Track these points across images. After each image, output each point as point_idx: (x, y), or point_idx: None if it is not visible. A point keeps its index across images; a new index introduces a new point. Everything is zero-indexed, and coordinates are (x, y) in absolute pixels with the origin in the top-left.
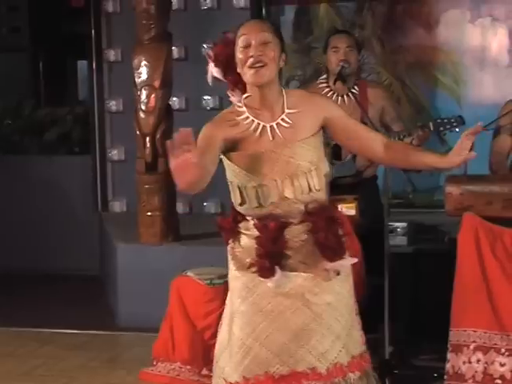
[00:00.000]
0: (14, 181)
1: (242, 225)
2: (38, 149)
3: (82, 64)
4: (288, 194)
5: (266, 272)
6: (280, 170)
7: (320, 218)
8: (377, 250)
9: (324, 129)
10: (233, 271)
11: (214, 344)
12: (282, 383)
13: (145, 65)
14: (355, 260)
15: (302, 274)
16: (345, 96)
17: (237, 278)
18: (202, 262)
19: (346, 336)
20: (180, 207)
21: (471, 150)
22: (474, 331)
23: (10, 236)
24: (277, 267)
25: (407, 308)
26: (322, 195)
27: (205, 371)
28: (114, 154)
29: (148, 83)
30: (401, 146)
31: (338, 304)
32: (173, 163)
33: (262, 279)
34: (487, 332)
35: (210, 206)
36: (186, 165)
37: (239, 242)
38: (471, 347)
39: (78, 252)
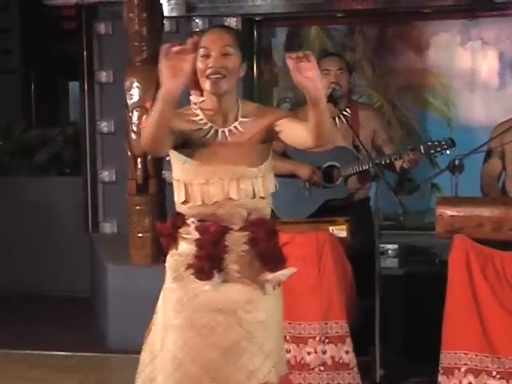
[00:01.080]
0: (4, 202)
1: (182, 230)
2: (28, 170)
3: (73, 85)
4: (233, 194)
5: (203, 274)
6: (227, 170)
7: (260, 228)
8: (368, 272)
9: (276, 137)
10: (169, 282)
11: None
12: None
13: (136, 86)
14: (294, 270)
15: (236, 286)
16: (336, 118)
17: (172, 291)
18: None
19: (276, 355)
20: None
21: None
22: (466, 354)
23: (0, 257)
24: (215, 271)
25: (398, 330)
26: (264, 205)
27: None
28: (105, 175)
29: (139, 105)
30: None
31: (270, 322)
32: (165, 63)
33: (196, 293)
34: (478, 355)
35: None
36: (180, 66)
37: (178, 249)
38: (462, 370)
39: (68, 273)
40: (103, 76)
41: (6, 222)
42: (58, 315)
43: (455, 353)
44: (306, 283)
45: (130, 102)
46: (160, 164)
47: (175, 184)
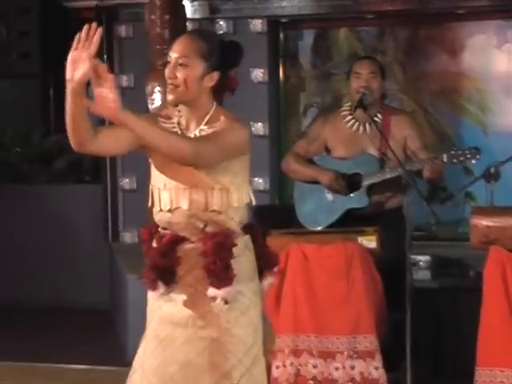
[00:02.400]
0: (22, 211)
1: (155, 238)
2: (47, 178)
3: (92, 92)
4: (183, 204)
5: (151, 284)
6: (182, 179)
7: (210, 241)
8: (398, 285)
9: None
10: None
11: None
12: None
13: (158, 91)
14: (236, 289)
15: (189, 299)
16: (366, 124)
17: (148, 301)
18: None
19: (239, 376)
20: None
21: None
22: (502, 371)
23: (18, 268)
24: (160, 282)
25: (430, 345)
26: (223, 219)
27: None
28: (126, 182)
29: (161, 110)
30: None
31: (227, 341)
32: (70, 54)
33: (160, 304)
34: None
35: None
36: (81, 56)
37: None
38: None
39: (87, 284)
40: (124, 80)
41: (23, 231)
42: (76, 328)
43: (490, 370)
44: (333, 295)
45: (151, 107)
46: None
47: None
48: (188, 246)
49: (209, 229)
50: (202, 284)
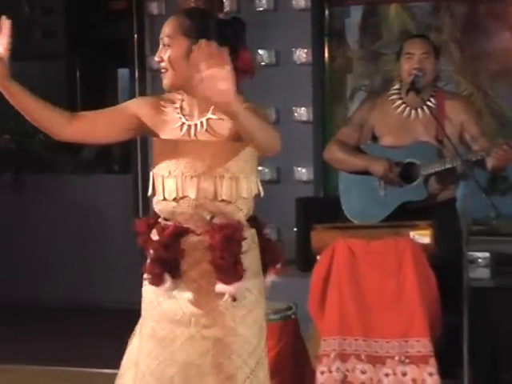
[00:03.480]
0: (47, 202)
1: (153, 231)
2: (73, 167)
3: (122, 72)
4: (190, 193)
5: (155, 279)
6: (189, 166)
7: (218, 234)
8: (454, 284)
9: None
10: (143, 287)
11: None
12: None
13: None
14: (259, 282)
15: (193, 296)
16: (419, 109)
17: (143, 298)
18: None
19: (244, 378)
20: None
21: None
22: None
23: (42, 263)
24: (167, 275)
25: (489, 350)
26: (231, 210)
27: None
28: None
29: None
30: None
31: (232, 341)
32: None
33: (159, 301)
34: None
35: None
36: None
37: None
38: None
39: (117, 282)
40: (156, 61)
41: (49, 224)
42: (106, 329)
43: None
44: (383, 295)
45: None
46: None
47: (150, 176)
48: (193, 238)
49: (216, 220)
50: (207, 280)
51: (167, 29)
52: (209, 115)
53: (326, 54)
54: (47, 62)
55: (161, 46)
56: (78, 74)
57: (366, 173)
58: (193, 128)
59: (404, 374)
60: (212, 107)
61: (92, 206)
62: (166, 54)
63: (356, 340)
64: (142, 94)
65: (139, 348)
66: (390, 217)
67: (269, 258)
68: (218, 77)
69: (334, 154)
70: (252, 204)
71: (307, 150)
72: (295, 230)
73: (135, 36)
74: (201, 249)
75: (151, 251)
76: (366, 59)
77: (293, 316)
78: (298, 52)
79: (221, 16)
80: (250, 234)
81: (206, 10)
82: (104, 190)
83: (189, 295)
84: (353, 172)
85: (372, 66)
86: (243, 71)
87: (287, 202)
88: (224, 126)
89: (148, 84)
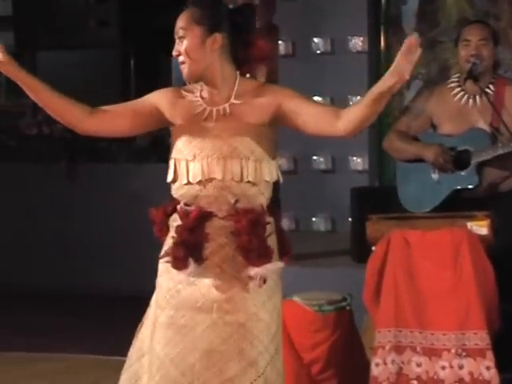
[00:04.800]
0: (100, 192)
1: (172, 217)
2: (127, 156)
3: (176, 61)
4: (217, 174)
5: (178, 263)
6: (215, 148)
7: (244, 218)
8: None
9: (281, 121)
10: (158, 276)
11: (323, 380)
12: None
13: None
14: (282, 264)
15: (215, 281)
16: (477, 96)
17: (159, 285)
18: (308, 285)
19: (265, 365)
20: (285, 223)
21: None
22: None
23: (94, 252)
24: (191, 259)
25: None
26: (255, 193)
27: None
28: None
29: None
30: (351, 106)
31: (254, 326)
32: None
33: (178, 289)
34: None
35: (319, 222)
36: None
37: (167, 239)
38: None
39: None
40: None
41: (101, 213)
42: None
43: None
44: (439, 287)
45: None
46: None
47: (170, 162)
48: (217, 222)
49: (240, 205)
50: (230, 264)
51: (180, 22)
52: (232, 100)
53: (382, 42)
54: (101, 51)
55: (176, 40)
56: (132, 62)
57: (420, 160)
58: (215, 113)
59: (461, 367)
60: (234, 94)
61: (145, 194)
62: (182, 46)
63: (411, 332)
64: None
65: (154, 337)
66: (443, 204)
67: (281, 247)
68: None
69: (392, 143)
70: (271, 189)
71: (362, 140)
72: (350, 220)
73: None
74: (224, 233)
75: (174, 235)
76: (422, 47)
77: (347, 307)
78: (353, 40)
79: (231, 5)
80: (270, 220)
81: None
82: (159, 179)
83: (210, 281)
84: (409, 160)
85: (429, 54)
86: (258, 59)
87: (342, 191)
88: (248, 111)
89: None
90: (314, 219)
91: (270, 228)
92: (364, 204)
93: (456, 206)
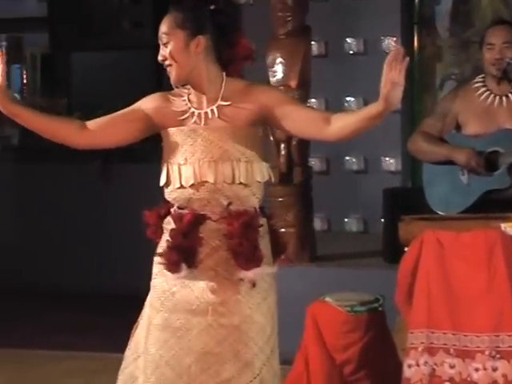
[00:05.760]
0: (133, 191)
1: (166, 220)
2: (160, 156)
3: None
4: (209, 177)
5: (172, 266)
6: (206, 151)
7: (236, 221)
8: None
9: (267, 121)
10: (153, 278)
11: (355, 381)
12: None
13: (280, 62)
14: (272, 269)
15: (210, 284)
16: (503, 97)
17: (153, 287)
18: (340, 286)
19: (261, 366)
20: (317, 223)
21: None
22: None
23: (128, 252)
24: (183, 264)
25: None
26: (247, 194)
27: None
28: None
29: (283, 83)
30: (343, 115)
31: (248, 328)
32: None
33: (173, 291)
34: None
35: (352, 223)
36: None
37: (161, 241)
38: None
39: None
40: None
41: (134, 213)
42: None
43: None
44: (472, 288)
45: (272, 79)
46: (306, 150)
47: (163, 166)
48: (211, 226)
49: (233, 207)
50: (224, 267)
51: (163, 27)
52: (219, 102)
53: (416, 43)
54: (135, 52)
55: (161, 45)
56: None
57: (449, 163)
58: (203, 116)
59: (494, 370)
60: (221, 95)
61: None
62: (166, 51)
63: (444, 334)
64: None
65: (148, 339)
66: (473, 206)
67: (275, 248)
68: (400, 84)
69: (418, 145)
70: (263, 190)
71: (395, 141)
72: (382, 221)
73: None
74: (218, 236)
75: (169, 238)
76: (456, 47)
77: (380, 308)
78: (386, 40)
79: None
80: (263, 221)
81: (198, 1)
82: None
83: (205, 283)
84: (436, 162)
85: (462, 55)
86: (244, 58)
87: (374, 192)
88: (236, 112)
89: None
90: (346, 220)
91: (262, 230)
92: (396, 205)
93: (487, 207)
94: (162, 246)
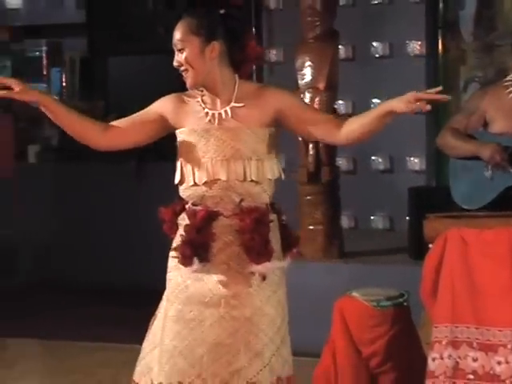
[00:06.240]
0: (167, 191)
1: (181, 216)
2: None
3: None
4: (221, 175)
5: (185, 260)
6: (219, 150)
7: (248, 217)
8: None
9: (279, 123)
10: (168, 271)
11: (381, 373)
12: None
13: (309, 65)
14: (283, 264)
15: (222, 277)
16: None
17: (169, 280)
18: (367, 282)
19: (270, 355)
20: (345, 221)
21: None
22: None
23: (157, 251)
24: (195, 258)
25: None
26: (258, 191)
27: None
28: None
29: (312, 85)
30: (353, 118)
31: (259, 320)
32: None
33: (187, 284)
34: None
35: (378, 221)
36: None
37: (176, 237)
38: None
39: None
40: (273, 54)
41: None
42: None
43: None
44: (495, 284)
45: (301, 82)
46: (333, 151)
47: (177, 164)
48: (224, 222)
49: (244, 204)
50: (236, 261)
51: (178, 34)
52: (232, 104)
53: (440, 46)
54: (170, 56)
55: (176, 51)
56: None
57: (475, 158)
58: (217, 116)
59: None
60: (234, 97)
61: None
62: (181, 57)
63: (468, 328)
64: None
65: (164, 330)
66: (496, 200)
67: (285, 243)
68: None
69: (446, 140)
70: (273, 187)
71: (420, 141)
72: (407, 218)
73: (253, 29)
74: (230, 231)
75: (183, 233)
76: (479, 51)
77: (405, 303)
78: (411, 44)
79: (221, 10)
80: (273, 217)
81: (209, 8)
82: None
83: (217, 277)
84: (462, 158)
85: (486, 58)
86: (252, 59)
87: (400, 191)
88: (248, 113)
89: (265, 76)
90: (372, 218)
91: (273, 225)
92: (421, 203)
93: (508, 203)
94: (176, 241)
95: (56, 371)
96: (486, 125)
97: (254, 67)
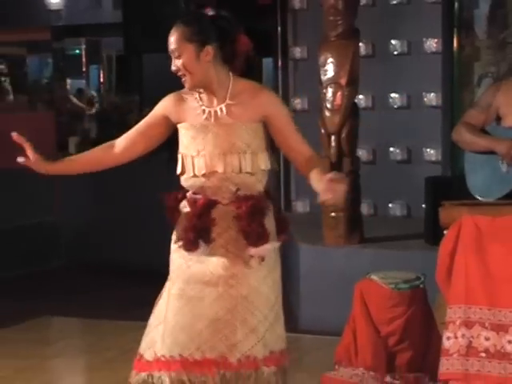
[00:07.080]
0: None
1: (182, 204)
2: None
3: (267, 61)
4: (219, 168)
5: (190, 245)
6: (216, 144)
7: (244, 205)
8: None
9: (265, 125)
10: (171, 253)
11: (398, 351)
12: (195, 367)
13: (331, 62)
14: (278, 244)
15: (221, 260)
16: None
17: (172, 261)
18: (386, 265)
19: (264, 331)
20: (365, 208)
21: None
22: None
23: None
24: (200, 241)
25: None
26: (253, 182)
27: (388, 378)
28: None
29: (334, 81)
30: (310, 159)
31: (255, 298)
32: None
33: (189, 264)
34: None
35: (396, 208)
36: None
37: (178, 223)
38: None
39: None
40: (297, 52)
41: None
42: None
43: None
44: (507, 268)
45: (324, 78)
46: (354, 142)
47: (178, 156)
48: (222, 209)
49: (241, 193)
50: (233, 245)
51: (173, 43)
52: (227, 101)
53: (455, 44)
54: None
55: (173, 58)
56: None
57: (489, 153)
58: (213, 113)
59: None
60: (228, 95)
61: None
62: (179, 62)
63: (481, 309)
64: (285, 81)
65: (168, 307)
66: (511, 193)
67: (279, 227)
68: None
69: (462, 135)
70: (267, 176)
71: (436, 133)
72: (424, 206)
73: (279, 28)
74: (228, 218)
75: (185, 221)
76: (493, 48)
77: (421, 286)
78: (428, 42)
79: (209, 12)
80: (267, 204)
81: (199, 12)
82: None
83: (217, 259)
84: (478, 152)
85: (499, 55)
86: (243, 52)
87: (417, 180)
88: (242, 110)
89: (290, 72)
90: (390, 205)
91: (267, 211)
92: (437, 192)
93: None
94: (178, 226)
95: (93, 348)
96: (498, 119)
97: (280, 63)
